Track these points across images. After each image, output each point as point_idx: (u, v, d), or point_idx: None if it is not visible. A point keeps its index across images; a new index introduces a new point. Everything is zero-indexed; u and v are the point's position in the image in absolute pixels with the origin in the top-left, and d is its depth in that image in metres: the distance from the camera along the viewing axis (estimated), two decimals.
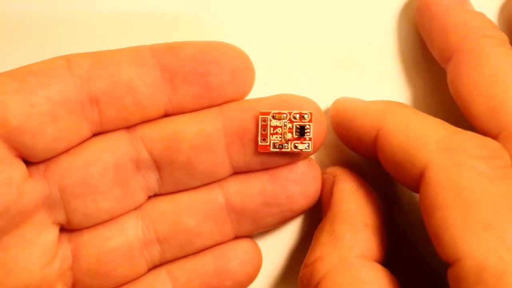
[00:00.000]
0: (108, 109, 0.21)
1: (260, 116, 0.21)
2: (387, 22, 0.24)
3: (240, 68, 0.21)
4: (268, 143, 0.21)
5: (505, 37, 0.21)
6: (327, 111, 0.23)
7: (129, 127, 0.21)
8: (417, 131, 0.19)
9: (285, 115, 0.21)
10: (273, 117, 0.21)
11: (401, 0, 0.24)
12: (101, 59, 0.20)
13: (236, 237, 0.22)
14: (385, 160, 0.20)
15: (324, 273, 0.19)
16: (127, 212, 0.22)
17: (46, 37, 0.24)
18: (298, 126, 0.21)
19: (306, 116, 0.21)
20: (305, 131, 0.21)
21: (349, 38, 0.24)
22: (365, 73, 0.24)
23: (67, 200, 0.21)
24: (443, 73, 0.22)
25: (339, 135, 0.23)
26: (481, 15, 0.22)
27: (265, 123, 0.21)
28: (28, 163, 0.20)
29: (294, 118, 0.21)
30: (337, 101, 0.23)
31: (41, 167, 0.21)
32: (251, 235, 0.23)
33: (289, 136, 0.21)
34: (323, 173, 0.22)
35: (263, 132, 0.21)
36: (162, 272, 0.22)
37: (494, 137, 0.19)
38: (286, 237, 0.24)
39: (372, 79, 0.24)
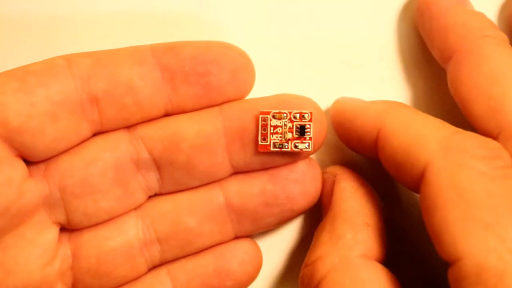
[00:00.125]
0: (108, 109, 0.21)
1: (260, 116, 0.21)
2: (387, 22, 0.24)
3: (240, 68, 0.21)
4: (268, 143, 0.21)
5: (505, 37, 0.21)
6: (327, 111, 0.23)
7: (129, 127, 0.21)
8: (418, 131, 0.19)
9: (285, 114, 0.21)
10: (273, 116, 0.21)
11: (401, 0, 0.24)
12: (101, 59, 0.20)
13: (236, 237, 0.22)
14: (385, 160, 0.20)
15: (325, 272, 0.19)
16: (127, 212, 0.22)
17: (46, 37, 0.24)
18: (298, 125, 0.21)
19: (306, 115, 0.21)
20: (305, 130, 0.21)
21: (349, 38, 0.24)
22: (365, 73, 0.24)
23: (67, 200, 0.21)
24: (443, 73, 0.22)
25: (339, 135, 0.23)
26: (481, 15, 0.22)
27: (265, 123, 0.21)
28: (28, 162, 0.20)
29: (294, 117, 0.21)
30: (337, 101, 0.23)
31: (41, 166, 0.21)
32: (251, 235, 0.23)
33: (289, 135, 0.21)
34: (323, 173, 0.22)
35: (263, 132, 0.21)
36: (162, 272, 0.22)
37: (494, 137, 0.19)
38: (286, 237, 0.24)
39: (372, 79, 0.24)
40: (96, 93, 0.20)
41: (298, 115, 0.21)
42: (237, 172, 0.22)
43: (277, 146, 0.21)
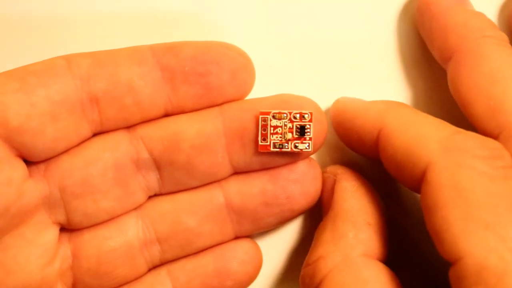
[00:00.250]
0: (108, 109, 0.21)
1: (260, 116, 0.21)
2: (387, 22, 0.24)
3: (240, 68, 0.21)
4: (268, 143, 0.21)
5: (505, 37, 0.21)
6: (327, 111, 0.23)
7: (129, 127, 0.21)
8: (418, 131, 0.19)
9: (285, 115, 0.21)
10: (273, 117, 0.21)
11: (401, 0, 0.24)
12: (101, 59, 0.20)
13: (236, 237, 0.22)
14: (386, 160, 0.20)
15: (327, 271, 0.19)
16: (127, 212, 0.22)
17: (46, 37, 0.24)
18: (298, 126, 0.21)
19: (306, 116, 0.21)
20: (305, 131, 0.21)
21: (349, 38, 0.24)
22: (365, 73, 0.24)
23: (67, 200, 0.21)
24: (443, 73, 0.22)
25: (339, 135, 0.23)
26: (481, 15, 0.22)
27: (265, 123, 0.21)
28: (28, 162, 0.20)
29: (294, 118, 0.21)
30: (337, 101, 0.23)
31: (41, 167, 0.21)
32: (251, 235, 0.23)
33: (289, 136, 0.21)
34: (323, 172, 0.22)
35: (263, 132, 0.21)
36: (162, 272, 0.22)
37: (495, 137, 0.19)
38: (286, 237, 0.24)
39: (372, 79, 0.24)
40: (96, 93, 0.20)
41: (298, 115, 0.21)
42: (237, 172, 0.22)
43: (277, 146, 0.21)
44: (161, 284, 0.22)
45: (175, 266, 0.22)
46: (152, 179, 0.22)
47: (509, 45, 0.21)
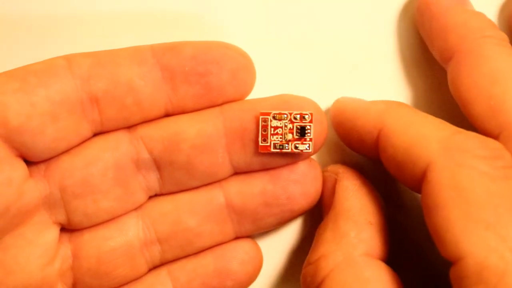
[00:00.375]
0: (109, 109, 0.21)
1: (261, 117, 0.21)
2: (387, 22, 0.24)
3: (240, 68, 0.21)
4: (268, 144, 0.21)
5: (505, 37, 0.21)
6: (327, 111, 0.23)
7: (129, 127, 0.21)
8: (419, 131, 0.19)
9: (285, 115, 0.21)
10: (274, 117, 0.21)
11: (401, 0, 0.24)
12: (101, 59, 0.20)
13: (237, 237, 0.22)
14: (386, 160, 0.20)
15: (328, 271, 0.19)
16: (128, 212, 0.22)
17: (46, 37, 0.24)
18: (298, 126, 0.21)
19: (306, 116, 0.21)
20: (306, 131, 0.21)
21: (349, 38, 0.24)
22: (365, 73, 0.24)
23: (67, 200, 0.21)
24: (443, 73, 0.22)
25: (339, 135, 0.23)
26: (481, 15, 0.22)
27: (265, 124, 0.21)
28: (28, 162, 0.20)
29: (295, 118, 0.21)
30: (337, 101, 0.23)
31: (42, 166, 0.21)
32: (252, 235, 0.23)
33: (289, 136, 0.21)
34: (324, 171, 0.22)
35: (263, 133, 0.21)
36: (163, 272, 0.22)
37: (495, 137, 0.19)
38: (287, 237, 0.24)
39: (372, 79, 0.24)
40: (97, 93, 0.20)
41: (298, 116, 0.21)
42: (237, 172, 0.22)
43: (278, 147, 0.21)
44: (161, 284, 0.22)
45: (175, 266, 0.22)
46: (152, 179, 0.22)
47: (509, 45, 0.21)
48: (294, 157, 0.21)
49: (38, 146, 0.20)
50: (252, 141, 0.21)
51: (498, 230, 0.17)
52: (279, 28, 0.24)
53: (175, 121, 0.21)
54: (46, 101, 0.20)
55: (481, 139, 0.19)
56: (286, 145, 0.21)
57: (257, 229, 0.22)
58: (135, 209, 0.22)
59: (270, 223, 0.22)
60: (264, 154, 0.21)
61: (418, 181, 0.19)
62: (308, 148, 0.21)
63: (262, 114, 0.21)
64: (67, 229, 0.21)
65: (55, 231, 0.21)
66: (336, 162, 0.24)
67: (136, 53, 0.21)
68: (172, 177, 0.22)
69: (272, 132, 0.21)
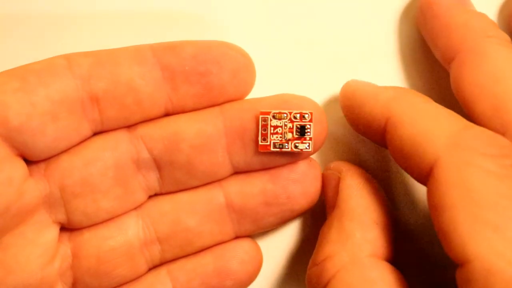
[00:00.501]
0: (109, 108, 0.21)
1: (261, 116, 0.21)
2: (389, 22, 0.24)
3: (241, 67, 0.21)
4: (268, 143, 0.21)
5: (507, 37, 0.21)
6: (335, 98, 0.23)
7: (129, 126, 0.21)
8: (427, 124, 0.19)
9: (285, 115, 0.21)
10: (274, 117, 0.21)
11: (402, 0, 0.24)
12: (101, 58, 0.20)
13: (237, 237, 0.22)
14: (393, 151, 0.20)
15: (334, 272, 0.19)
16: (127, 212, 0.22)
17: (46, 37, 0.24)
18: (298, 126, 0.21)
19: (306, 116, 0.21)
20: (306, 131, 0.21)
21: (350, 38, 0.24)
22: (366, 73, 0.24)
23: (67, 199, 0.21)
24: (443, 73, 0.22)
25: (348, 119, 0.22)
26: (483, 15, 0.22)
27: (265, 123, 0.21)
28: (28, 162, 0.20)
29: (295, 118, 0.21)
30: (347, 84, 0.22)
31: (42, 166, 0.21)
32: (252, 235, 0.23)
33: (289, 136, 0.21)
34: (327, 169, 0.22)
35: (263, 132, 0.21)
36: (162, 272, 0.22)
37: None
38: (287, 237, 0.24)
39: (372, 79, 0.24)
40: (97, 93, 0.20)
41: (298, 115, 0.21)
42: (237, 172, 0.22)
43: (277, 146, 0.21)
44: (161, 283, 0.22)
45: (175, 266, 0.22)
46: (152, 179, 0.22)
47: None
48: (294, 156, 0.21)
49: (38, 145, 0.20)
50: (252, 140, 0.21)
51: (506, 234, 0.16)
52: (279, 28, 0.24)
53: (175, 120, 0.21)
54: (46, 101, 0.20)
55: (490, 136, 0.18)
56: (286, 144, 0.21)
57: (257, 228, 0.22)
58: (135, 208, 0.22)
59: (270, 223, 0.22)
60: (264, 153, 0.21)
61: (425, 175, 0.18)
62: (308, 148, 0.21)
63: (262, 113, 0.21)
64: (67, 228, 0.21)
65: (55, 230, 0.21)
66: (338, 160, 0.23)
67: (136, 53, 0.21)
68: (172, 177, 0.22)
69: (272, 131, 0.21)
